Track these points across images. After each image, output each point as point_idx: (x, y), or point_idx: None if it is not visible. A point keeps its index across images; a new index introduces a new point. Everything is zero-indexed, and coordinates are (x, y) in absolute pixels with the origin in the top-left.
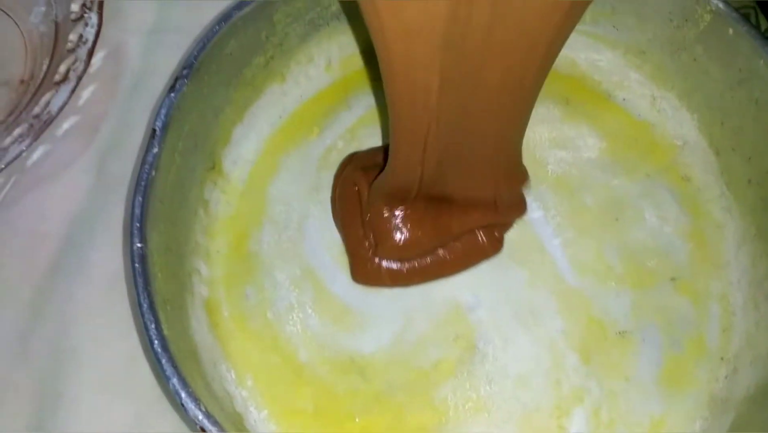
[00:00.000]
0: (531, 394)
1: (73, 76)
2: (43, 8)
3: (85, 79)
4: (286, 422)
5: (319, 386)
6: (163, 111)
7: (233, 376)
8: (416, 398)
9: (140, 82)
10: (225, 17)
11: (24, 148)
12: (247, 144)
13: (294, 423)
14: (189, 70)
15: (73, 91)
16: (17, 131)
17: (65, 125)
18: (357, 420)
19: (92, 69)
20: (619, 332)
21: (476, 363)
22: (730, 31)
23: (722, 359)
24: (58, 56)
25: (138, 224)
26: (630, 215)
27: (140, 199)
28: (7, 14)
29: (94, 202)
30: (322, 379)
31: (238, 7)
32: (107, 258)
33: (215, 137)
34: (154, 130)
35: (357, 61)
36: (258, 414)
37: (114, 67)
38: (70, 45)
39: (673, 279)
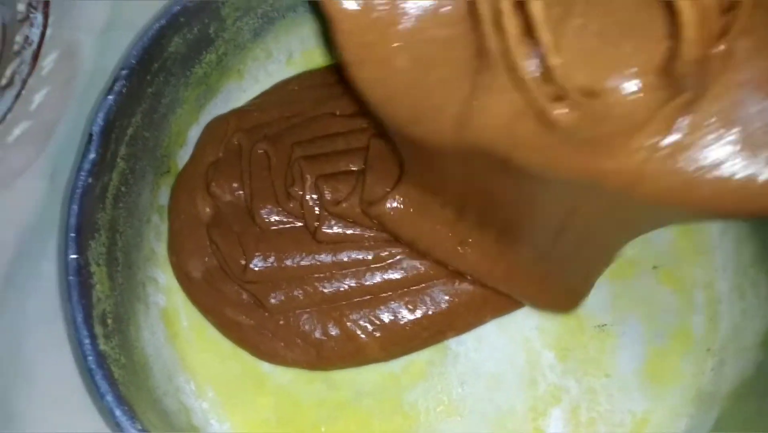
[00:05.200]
0: (505, 395)
1: (17, 80)
2: None
3: (37, 81)
4: None
5: (283, 395)
6: (101, 115)
7: (192, 388)
8: (385, 403)
9: (94, 83)
10: (165, 13)
11: None
12: None
13: None
14: (128, 71)
15: (18, 95)
16: None
17: (16, 131)
18: (322, 430)
19: (44, 71)
20: (598, 326)
21: (448, 364)
22: None
23: (708, 350)
24: (6, 59)
25: (73, 234)
26: None
27: (75, 208)
28: None
29: (48, 210)
30: (285, 388)
31: (179, 2)
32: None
33: (167, 139)
34: (90, 135)
35: (321, 54)
36: (219, 426)
37: (67, 68)
38: (15, 47)
39: (655, 267)
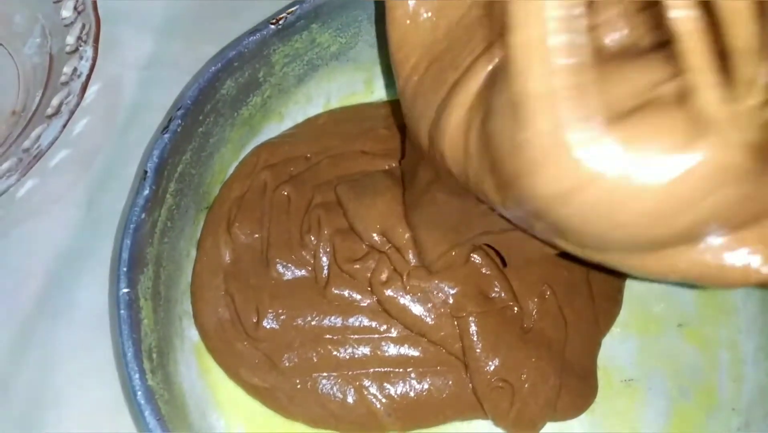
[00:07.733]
0: None
1: (65, 110)
2: (38, 40)
3: (79, 111)
4: None
5: None
6: (156, 152)
7: (222, 425)
8: None
9: (135, 116)
10: (221, 57)
11: (12, 183)
12: None
13: None
14: (184, 110)
15: (65, 125)
16: (5, 165)
17: (57, 158)
18: None
19: (86, 102)
20: (625, 380)
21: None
22: None
23: (733, 409)
24: (52, 89)
25: (125, 269)
26: None
27: (128, 242)
28: (2, 45)
29: (83, 239)
30: None
31: (234, 47)
32: (93, 298)
33: (210, 176)
34: (145, 172)
35: (356, 99)
36: None
37: (109, 100)
38: (64, 78)
39: (680, 325)
